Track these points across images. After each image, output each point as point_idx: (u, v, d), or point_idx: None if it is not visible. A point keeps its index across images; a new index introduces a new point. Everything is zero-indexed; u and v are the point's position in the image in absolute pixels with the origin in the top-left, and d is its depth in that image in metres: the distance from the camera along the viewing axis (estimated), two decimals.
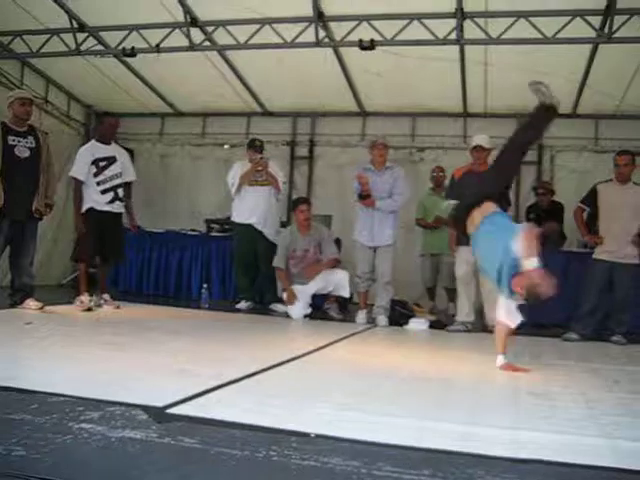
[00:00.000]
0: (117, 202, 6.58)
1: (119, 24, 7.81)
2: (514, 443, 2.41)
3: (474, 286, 6.54)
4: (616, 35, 6.65)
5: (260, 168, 7.49)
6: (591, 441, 2.51)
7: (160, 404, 2.63)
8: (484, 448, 2.31)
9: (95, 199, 6.45)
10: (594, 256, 6.52)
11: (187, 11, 7.44)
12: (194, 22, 7.55)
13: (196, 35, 7.73)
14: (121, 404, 2.58)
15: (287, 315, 6.85)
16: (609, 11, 6.56)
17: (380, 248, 6.72)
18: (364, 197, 6.62)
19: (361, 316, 6.75)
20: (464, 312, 6.57)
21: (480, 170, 6.56)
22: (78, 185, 6.46)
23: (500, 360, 4.21)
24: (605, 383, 3.92)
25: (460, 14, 6.89)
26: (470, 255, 6.25)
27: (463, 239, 6.29)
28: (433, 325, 6.64)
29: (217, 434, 2.30)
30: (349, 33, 7.32)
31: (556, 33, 6.80)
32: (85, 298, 6.24)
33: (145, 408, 2.55)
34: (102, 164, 6.49)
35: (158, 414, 2.50)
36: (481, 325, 6.58)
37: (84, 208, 6.41)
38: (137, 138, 10.58)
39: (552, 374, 4.21)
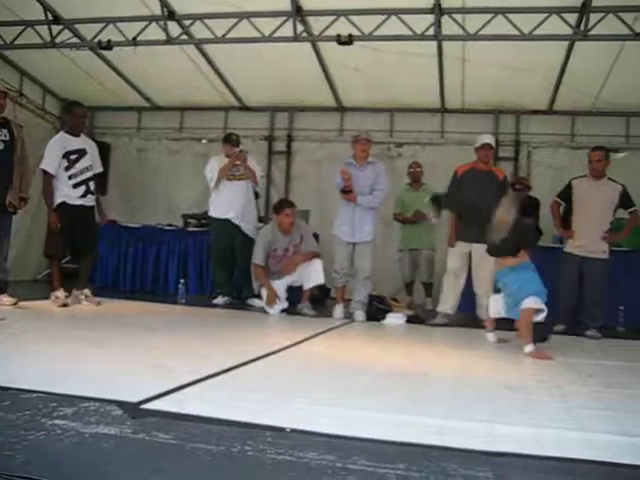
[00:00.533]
0: (89, 196, 6.44)
1: (95, 17, 7.73)
2: (489, 436, 2.43)
3: (463, 280, 6.59)
4: (592, 32, 6.73)
5: (239, 162, 7.43)
6: (566, 434, 2.53)
7: (135, 400, 2.61)
8: (460, 441, 2.32)
9: (67, 193, 6.29)
10: (564, 249, 6.61)
11: (164, 4, 7.39)
12: (171, 15, 7.50)
13: (173, 28, 7.68)
14: (95, 400, 2.56)
15: (264, 310, 6.82)
16: (585, 8, 6.63)
17: (360, 244, 6.72)
18: (347, 192, 6.62)
19: (338, 311, 6.74)
20: (448, 305, 6.60)
21: (483, 169, 6.64)
22: (49, 179, 6.22)
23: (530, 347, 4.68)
24: (580, 377, 3.96)
25: (438, 10, 6.91)
26: (465, 249, 6.48)
27: (462, 234, 6.50)
28: (410, 320, 6.67)
29: (192, 429, 2.29)
30: (327, 28, 7.31)
31: (533, 30, 6.85)
32: (60, 294, 6.16)
33: (120, 404, 2.53)
34: (73, 157, 6.34)
35: (133, 410, 2.48)
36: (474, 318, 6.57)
37: (56, 203, 6.26)
38: (114, 132, 10.51)
39: (529, 368, 4.26)
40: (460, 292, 6.61)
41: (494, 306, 5.21)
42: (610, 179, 6.63)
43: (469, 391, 3.36)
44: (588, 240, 6.44)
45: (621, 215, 6.76)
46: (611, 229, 6.52)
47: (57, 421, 2.25)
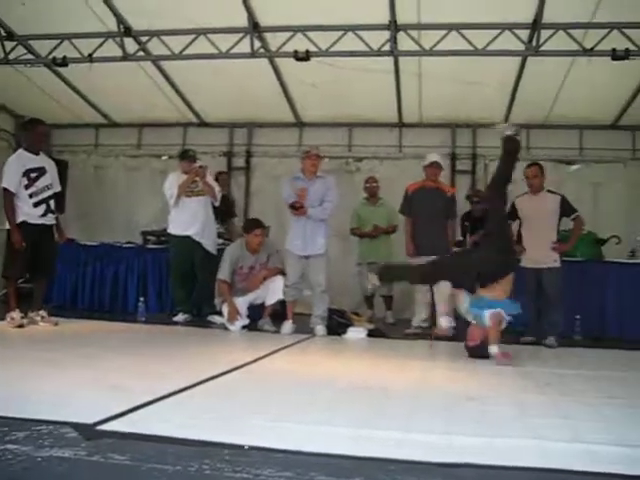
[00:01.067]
0: (49, 214, 6.35)
1: (50, 33, 7.65)
2: (446, 448, 2.45)
3: (429, 293, 6.89)
4: (543, 48, 6.91)
5: (197, 178, 7.38)
6: (521, 443, 2.57)
7: (90, 421, 2.57)
8: (417, 454, 2.33)
9: (27, 212, 6.18)
10: (521, 264, 6.75)
11: (120, 21, 7.35)
12: (128, 32, 7.47)
13: (130, 45, 7.64)
14: (49, 422, 2.51)
15: (225, 327, 6.78)
16: (536, 25, 6.79)
17: (313, 257, 6.71)
18: (297, 208, 6.62)
19: (287, 326, 6.69)
20: (420, 317, 6.97)
21: (432, 186, 7.03)
22: (11, 197, 6.09)
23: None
24: (537, 386, 4.02)
25: (394, 26, 7.02)
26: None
27: (421, 250, 6.80)
28: (371, 334, 6.68)
29: (149, 450, 2.26)
30: (284, 44, 7.36)
31: (486, 45, 7.00)
32: (16, 314, 6.03)
33: (75, 425, 2.49)
34: (33, 175, 6.25)
35: (88, 431, 2.44)
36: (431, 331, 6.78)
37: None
38: (71, 149, 10.39)
39: (487, 378, 4.30)
40: (430, 304, 6.93)
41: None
42: (549, 191, 6.83)
43: (428, 403, 3.38)
44: (539, 252, 6.62)
45: (565, 227, 6.94)
46: (559, 239, 6.71)
47: (8, 446, 2.20)
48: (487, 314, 5.01)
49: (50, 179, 6.38)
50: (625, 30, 6.67)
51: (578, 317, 6.97)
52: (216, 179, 8.70)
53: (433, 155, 7.20)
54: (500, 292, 5.17)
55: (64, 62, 7.67)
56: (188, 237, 7.36)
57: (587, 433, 2.76)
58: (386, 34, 7.12)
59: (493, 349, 4.92)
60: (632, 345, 6.52)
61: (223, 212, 8.41)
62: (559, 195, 6.80)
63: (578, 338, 6.87)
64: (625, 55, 6.67)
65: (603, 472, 2.22)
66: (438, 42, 7.08)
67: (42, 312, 6.36)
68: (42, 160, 6.41)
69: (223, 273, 6.85)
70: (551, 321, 6.57)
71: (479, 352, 5.08)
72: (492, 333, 4.99)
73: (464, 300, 5.48)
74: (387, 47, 7.17)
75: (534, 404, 3.41)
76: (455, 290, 5.74)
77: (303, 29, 7.26)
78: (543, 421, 2.98)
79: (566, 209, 6.72)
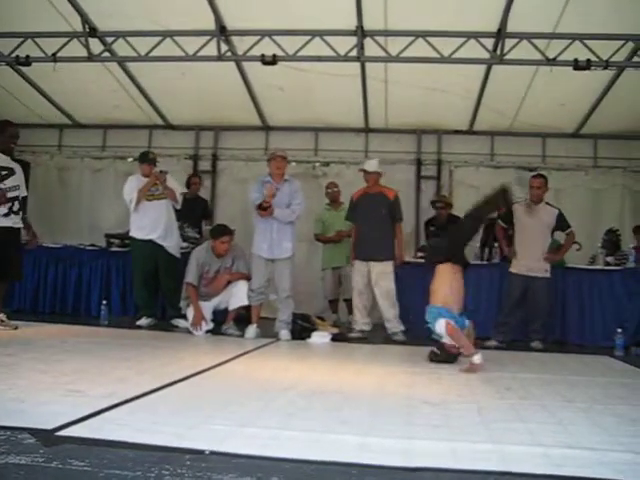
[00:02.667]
0: (12, 215, 6.24)
1: (12, 31, 7.54)
2: (407, 452, 2.47)
3: (369, 297, 7.06)
4: (507, 57, 7.02)
5: (158, 182, 7.30)
6: (481, 447, 2.60)
7: (49, 427, 2.53)
8: (377, 458, 2.35)
9: None
10: (510, 269, 6.91)
11: (85, 20, 7.28)
12: (93, 32, 7.40)
13: (95, 45, 7.56)
14: (6, 428, 2.46)
15: (189, 331, 6.74)
16: (500, 34, 6.90)
17: (279, 261, 6.71)
18: (264, 208, 6.60)
19: (251, 331, 6.66)
20: (361, 321, 7.05)
21: (375, 191, 7.15)
22: None
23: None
24: (498, 390, 4.07)
25: (360, 32, 7.07)
26: (364, 267, 6.98)
27: (359, 254, 6.99)
28: (335, 338, 6.70)
29: (108, 455, 2.24)
30: (251, 48, 7.36)
31: (452, 53, 7.10)
32: None
33: (32, 431, 2.45)
34: (3, 173, 6.16)
35: (46, 437, 2.40)
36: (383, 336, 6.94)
37: None
38: (33, 150, 10.23)
39: (448, 383, 4.33)
40: (369, 308, 7.12)
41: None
42: (547, 203, 7.06)
43: (389, 407, 3.39)
44: (530, 260, 6.82)
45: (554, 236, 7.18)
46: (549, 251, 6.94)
47: None
48: (440, 326, 5.03)
49: (18, 181, 6.30)
50: (586, 41, 6.83)
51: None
52: (188, 182, 8.70)
53: (371, 163, 7.29)
54: (440, 298, 5.21)
55: (27, 61, 7.58)
56: (150, 241, 7.28)
57: (545, 437, 2.81)
58: (353, 40, 7.17)
59: (477, 358, 4.84)
60: (591, 350, 6.64)
61: (198, 215, 8.35)
62: (556, 209, 7.04)
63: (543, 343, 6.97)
64: (586, 65, 6.82)
65: (560, 475, 2.26)
66: (404, 49, 7.15)
67: (1, 315, 6.23)
68: (11, 162, 6.33)
69: (190, 276, 6.82)
70: (536, 328, 6.86)
71: (442, 357, 5.13)
72: (462, 342, 4.97)
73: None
74: (354, 53, 7.22)
75: (494, 408, 3.45)
76: None
77: (270, 33, 7.27)
78: (502, 425, 3.02)
79: (562, 223, 6.97)
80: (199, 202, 8.80)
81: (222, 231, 6.95)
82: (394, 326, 6.91)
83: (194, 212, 8.38)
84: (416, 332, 5.82)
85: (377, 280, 6.94)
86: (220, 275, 6.90)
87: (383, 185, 7.31)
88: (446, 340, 5.07)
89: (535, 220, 6.87)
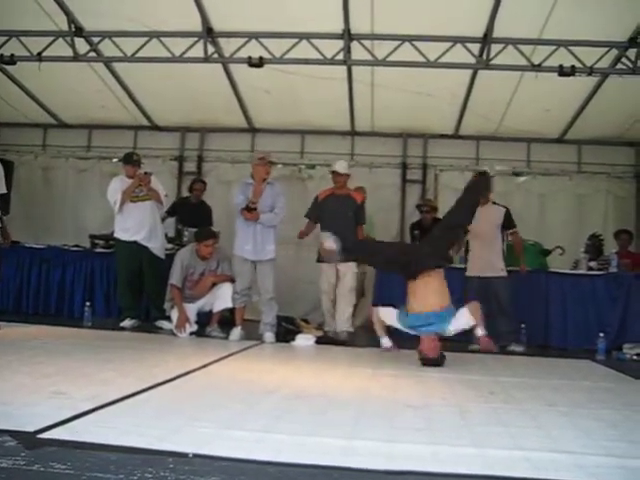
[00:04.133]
0: None
1: None
2: (390, 455, 2.48)
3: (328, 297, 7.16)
4: (493, 62, 7.06)
5: (143, 184, 7.25)
6: (463, 450, 2.62)
7: (31, 429, 2.52)
8: (361, 461, 2.36)
9: None
10: (467, 274, 6.96)
11: (71, 20, 7.24)
12: (79, 32, 7.35)
13: (81, 45, 7.52)
14: None
15: (173, 333, 6.71)
16: (486, 39, 6.94)
17: (261, 263, 6.73)
18: (250, 210, 6.61)
19: (235, 333, 6.66)
20: (332, 324, 7.13)
21: (342, 193, 7.21)
22: None
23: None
24: (481, 394, 4.09)
25: (347, 35, 7.08)
26: (331, 269, 7.07)
27: (327, 258, 6.81)
28: (320, 341, 6.70)
29: (90, 458, 2.23)
30: (238, 50, 7.35)
31: (438, 58, 7.12)
32: None
33: (14, 434, 2.44)
34: None
35: (28, 440, 2.39)
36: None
37: None
38: (17, 150, 10.15)
39: (432, 387, 4.35)
40: (331, 311, 7.17)
41: (389, 316, 5.52)
42: (494, 203, 7.12)
43: (372, 411, 3.41)
44: (485, 262, 6.89)
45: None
46: (504, 250, 7.04)
47: None
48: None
49: None
50: (571, 47, 6.88)
51: (523, 326, 7.12)
52: (191, 187, 8.68)
53: (340, 164, 7.30)
54: (435, 303, 5.28)
55: (12, 60, 7.50)
56: (135, 242, 7.24)
57: (526, 440, 2.83)
58: (340, 43, 7.18)
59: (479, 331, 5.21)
60: (573, 354, 6.69)
61: (201, 221, 8.26)
62: (504, 208, 7.11)
63: (521, 349, 7.00)
64: (571, 72, 6.87)
65: (541, 478, 2.28)
66: (391, 53, 7.17)
67: None
68: None
69: (175, 278, 6.80)
70: (508, 330, 6.83)
71: (432, 361, 5.15)
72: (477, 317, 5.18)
73: (391, 318, 5.54)
74: (340, 56, 7.23)
75: (477, 412, 3.47)
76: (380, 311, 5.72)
77: (257, 35, 7.26)
78: (485, 429, 3.04)
79: (508, 222, 7.04)
80: (203, 208, 8.73)
81: (207, 234, 6.97)
82: (344, 325, 7.00)
83: (195, 217, 8.32)
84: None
85: (342, 278, 7.06)
86: (205, 277, 6.89)
87: (349, 187, 7.36)
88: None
89: (485, 221, 6.83)
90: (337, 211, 7.08)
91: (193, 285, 6.89)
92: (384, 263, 6.03)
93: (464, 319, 5.20)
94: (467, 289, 6.90)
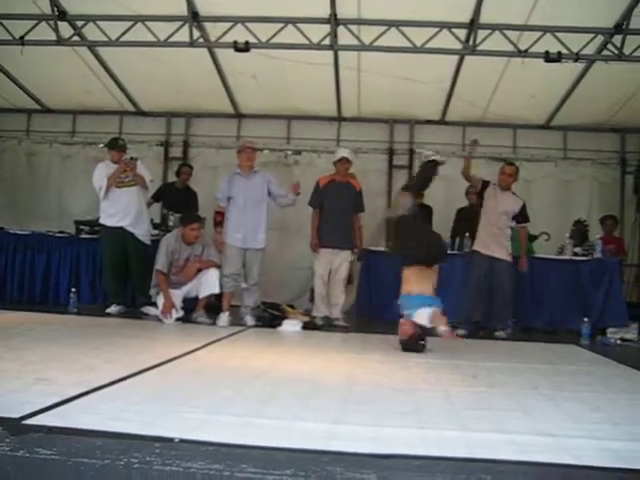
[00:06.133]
0: None
1: None
2: (376, 439, 2.49)
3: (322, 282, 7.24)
4: (480, 48, 7.05)
5: (128, 169, 7.20)
6: (448, 434, 2.64)
7: (16, 415, 2.51)
8: (347, 445, 2.36)
9: None
10: (474, 247, 7.09)
11: (55, 4, 7.15)
12: (62, 15, 7.26)
13: (65, 29, 7.43)
14: None
15: (159, 319, 6.70)
16: (473, 25, 6.93)
17: (251, 251, 6.80)
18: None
19: (223, 318, 6.67)
20: (320, 309, 7.22)
21: (342, 180, 7.28)
22: None
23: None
24: (465, 378, 4.12)
25: (334, 20, 7.05)
26: (330, 255, 7.15)
27: (327, 242, 7.13)
28: (306, 326, 6.72)
29: (76, 444, 2.22)
30: (224, 34, 7.30)
31: (425, 43, 7.11)
32: None
33: None
34: None
35: (13, 426, 2.37)
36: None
37: None
38: (0, 135, 10.06)
39: (417, 371, 4.38)
40: (326, 295, 7.27)
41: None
42: (514, 193, 7.23)
43: (358, 395, 3.42)
44: (494, 243, 6.99)
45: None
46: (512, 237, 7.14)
47: None
48: (425, 313, 5.11)
49: None
50: (558, 34, 6.89)
51: (514, 320, 7.18)
52: (178, 171, 8.65)
53: (343, 150, 7.44)
54: (428, 287, 5.30)
55: None
56: (120, 228, 7.21)
57: (511, 424, 2.85)
58: (326, 28, 7.15)
59: (441, 329, 5.14)
60: (559, 338, 6.76)
61: (186, 206, 8.22)
62: (522, 200, 7.24)
63: (509, 332, 7.06)
64: (557, 58, 6.89)
65: (525, 460, 2.30)
66: (377, 38, 7.15)
67: None
68: None
69: (160, 263, 6.79)
70: (501, 317, 6.98)
71: (412, 346, 5.17)
72: (439, 319, 5.15)
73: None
74: (327, 41, 7.20)
75: (462, 396, 3.50)
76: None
77: (243, 20, 7.21)
78: (469, 412, 3.07)
79: (522, 215, 7.16)
80: (189, 194, 8.70)
81: (192, 218, 6.98)
82: (339, 313, 7.15)
83: (182, 202, 8.28)
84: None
85: (338, 267, 7.14)
86: (190, 263, 6.87)
87: (349, 175, 7.41)
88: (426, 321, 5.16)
89: (500, 205, 6.99)
90: (338, 198, 7.17)
91: (178, 271, 6.88)
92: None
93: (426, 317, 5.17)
94: (472, 263, 7.04)
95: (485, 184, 7.16)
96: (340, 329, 6.91)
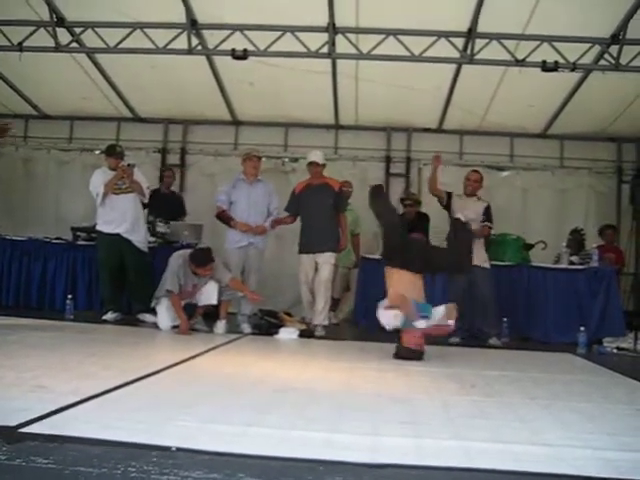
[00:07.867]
0: None
1: None
2: (373, 449, 2.49)
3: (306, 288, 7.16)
4: (477, 57, 7.08)
5: (125, 176, 7.19)
6: (446, 443, 2.63)
7: (12, 423, 2.50)
8: (344, 455, 2.36)
9: None
10: None
11: (53, 10, 7.16)
12: (61, 22, 7.28)
13: (63, 35, 7.44)
14: None
15: (156, 326, 6.68)
16: (471, 34, 6.95)
17: (252, 250, 6.94)
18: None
19: (220, 326, 6.64)
20: (309, 315, 7.18)
21: (318, 182, 7.21)
22: None
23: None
24: (463, 387, 4.12)
25: (332, 29, 7.07)
26: (311, 260, 7.06)
27: (306, 248, 7.08)
28: (303, 334, 6.71)
29: (73, 452, 2.22)
30: (222, 42, 7.31)
31: (423, 52, 7.13)
32: None
33: None
34: None
35: (9, 434, 2.37)
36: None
37: None
38: None
39: (414, 380, 4.37)
40: (312, 299, 7.17)
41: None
42: (479, 198, 7.32)
43: (355, 404, 3.42)
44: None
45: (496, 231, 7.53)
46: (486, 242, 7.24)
47: None
48: (440, 310, 5.14)
49: None
50: (555, 43, 6.93)
51: (505, 320, 7.17)
52: (161, 176, 8.64)
53: (312, 154, 7.30)
54: (421, 294, 5.33)
55: None
56: (117, 235, 7.18)
57: (507, 433, 2.86)
58: (324, 36, 7.17)
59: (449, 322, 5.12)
60: (554, 347, 6.75)
61: (172, 211, 8.22)
62: (486, 202, 7.31)
63: (505, 340, 7.06)
64: (554, 67, 6.91)
65: (522, 471, 2.30)
66: (376, 46, 7.17)
67: None
68: None
69: (171, 285, 6.49)
70: (489, 323, 6.96)
71: (411, 354, 5.16)
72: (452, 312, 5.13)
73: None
74: (325, 49, 7.22)
75: (459, 405, 3.50)
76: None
77: (241, 28, 7.23)
78: (467, 422, 3.07)
79: (486, 216, 7.19)
80: (174, 198, 8.71)
81: (205, 260, 6.53)
82: (319, 318, 6.95)
83: (167, 208, 8.28)
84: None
85: (319, 270, 7.03)
86: (198, 289, 6.70)
87: (325, 176, 7.35)
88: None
89: (470, 213, 6.94)
90: (316, 202, 7.09)
91: (187, 295, 6.72)
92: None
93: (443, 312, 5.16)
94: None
95: (449, 195, 7.23)
96: (328, 338, 6.81)
